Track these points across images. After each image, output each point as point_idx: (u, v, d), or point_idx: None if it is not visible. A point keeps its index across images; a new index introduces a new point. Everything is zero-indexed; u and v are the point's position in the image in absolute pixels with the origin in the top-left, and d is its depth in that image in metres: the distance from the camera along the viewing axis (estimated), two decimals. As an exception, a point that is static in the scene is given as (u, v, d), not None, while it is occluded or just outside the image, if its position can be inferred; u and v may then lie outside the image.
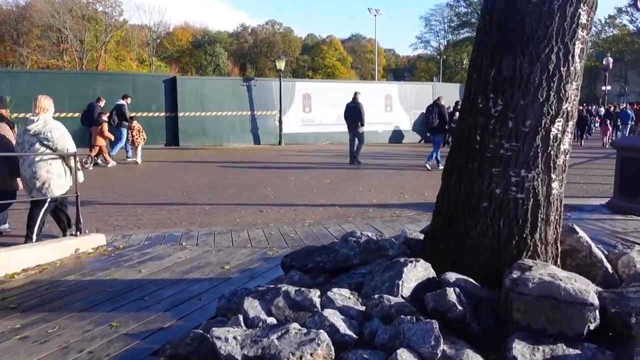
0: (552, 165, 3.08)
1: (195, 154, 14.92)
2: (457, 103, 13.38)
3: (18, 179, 5.09)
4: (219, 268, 4.11)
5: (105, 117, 11.87)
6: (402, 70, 69.70)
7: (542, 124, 3.01)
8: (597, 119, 26.67)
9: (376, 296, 2.76)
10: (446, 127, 11.61)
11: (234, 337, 2.50)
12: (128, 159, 13.28)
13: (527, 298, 2.56)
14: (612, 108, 25.59)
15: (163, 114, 16.66)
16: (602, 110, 30.19)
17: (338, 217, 6.13)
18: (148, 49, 48.74)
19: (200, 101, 17.19)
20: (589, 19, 3.06)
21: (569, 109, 3.08)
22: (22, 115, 9.99)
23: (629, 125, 21.08)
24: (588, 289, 2.56)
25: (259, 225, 5.68)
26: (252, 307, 2.86)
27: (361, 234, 4.31)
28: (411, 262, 3.03)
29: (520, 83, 3.01)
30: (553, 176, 3.10)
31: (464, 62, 53.93)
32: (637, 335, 2.45)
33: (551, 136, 3.04)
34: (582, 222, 5.79)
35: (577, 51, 3.03)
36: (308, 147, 17.57)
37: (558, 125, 3.06)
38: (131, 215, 5.87)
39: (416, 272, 3.00)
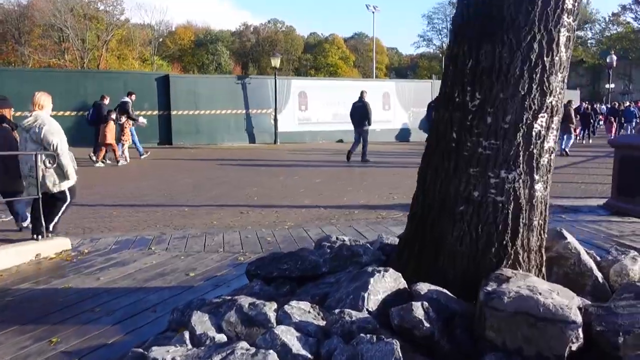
0: (535, 165, 2.80)
1: (187, 153, 14.67)
2: None
3: (20, 180, 5.04)
4: (183, 275, 3.85)
5: (113, 115, 11.79)
6: (405, 69, 69.32)
7: (524, 119, 2.74)
8: (600, 116, 26.30)
9: (337, 311, 2.49)
10: None
11: (173, 359, 2.24)
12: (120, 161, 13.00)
13: (502, 314, 2.29)
14: (617, 106, 25.23)
15: (156, 112, 16.40)
16: (604, 108, 29.86)
17: (321, 219, 5.87)
18: (150, 48, 48.55)
19: (193, 99, 16.93)
20: (576, 3, 2.79)
21: (554, 103, 2.80)
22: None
23: (634, 123, 20.70)
24: (570, 304, 2.28)
25: (236, 227, 5.42)
26: (201, 322, 2.59)
27: (337, 238, 4.06)
28: (379, 272, 2.76)
29: (499, 74, 2.73)
30: (536, 177, 2.82)
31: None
32: (625, 356, 2.18)
33: (534, 133, 2.77)
34: (577, 224, 5.51)
35: (562, 39, 2.75)
36: (304, 146, 17.30)
37: (541, 121, 2.78)
38: (105, 217, 5.62)
39: (384, 283, 2.73)
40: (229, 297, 2.86)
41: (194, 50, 55.62)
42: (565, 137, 15.55)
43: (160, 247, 4.67)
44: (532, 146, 2.77)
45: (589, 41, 53.64)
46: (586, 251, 3.70)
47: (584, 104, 27.43)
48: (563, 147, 15.00)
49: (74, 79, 15.82)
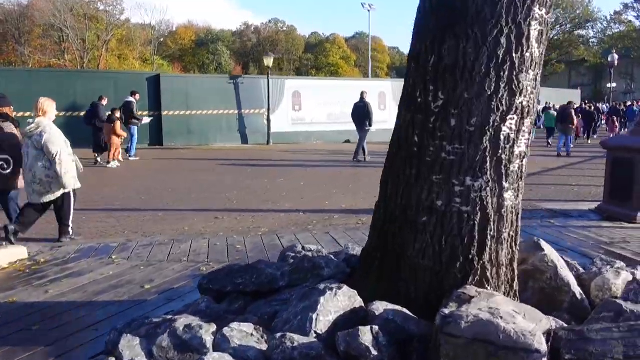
0: (503, 171, 2.55)
1: (177, 154, 14.43)
2: None
3: (20, 178, 5.09)
4: (138, 288, 3.61)
5: (118, 114, 11.69)
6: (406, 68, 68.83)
7: (491, 121, 2.49)
8: (603, 116, 25.99)
9: (278, 335, 2.24)
10: None
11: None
12: (130, 158, 13.06)
13: (458, 341, 2.04)
14: (618, 105, 24.93)
15: (146, 113, 16.15)
16: (605, 107, 29.54)
17: (298, 225, 5.62)
18: (150, 48, 48.37)
19: (185, 100, 16.69)
20: (548, -6, 2.54)
21: (524, 103, 2.55)
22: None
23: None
24: (535, 330, 2.03)
25: (207, 234, 5.17)
26: (130, 347, 2.35)
27: (302, 248, 3.81)
28: (331, 289, 2.51)
29: (463, 72, 2.48)
30: (505, 185, 2.57)
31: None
32: (596, 391, 1.93)
33: (502, 136, 2.52)
34: (565, 230, 5.26)
35: (533, 33, 2.50)
36: (297, 147, 17.03)
37: (510, 124, 2.53)
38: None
39: (337, 302, 2.48)
40: (170, 317, 2.62)
41: (194, 50, 55.44)
42: (565, 138, 15.26)
43: (122, 256, 4.43)
44: (500, 151, 2.52)
45: (590, 40, 53.25)
46: (568, 262, 3.46)
47: (584, 103, 27.13)
48: (562, 148, 14.71)
49: (63, 79, 15.60)
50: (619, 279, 2.99)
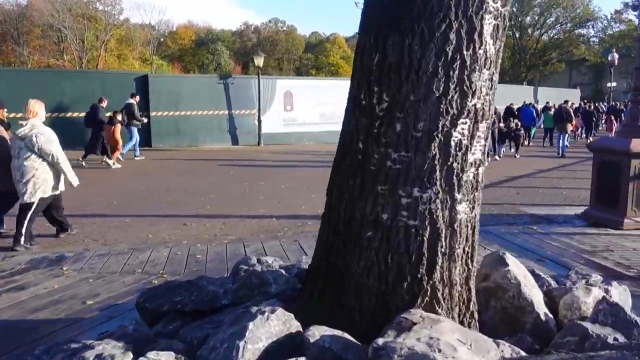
0: (455, 181, 2.31)
1: (164, 155, 14.15)
2: None
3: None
4: (79, 304, 3.37)
5: (119, 117, 11.66)
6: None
7: (440, 126, 2.25)
8: (603, 115, 25.71)
9: (194, 368, 1.99)
10: None
11: None
12: (136, 158, 13.05)
13: (389, 378, 1.79)
14: (617, 105, 24.62)
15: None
16: (604, 106, 29.24)
17: (268, 232, 5.37)
18: (149, 48, 48.16)
19: (174, 100, 16.41)
20: (503, -16, 2.29)
21: (478, 105, 2.31)
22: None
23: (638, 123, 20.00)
24: (476, 366, 1.78)
25: (171, 243, 4.93)
26: (32, 380, 2.10)
27: (258, 260, 3.57)
28: (262, 313, 2.26)
29: (409, 72, 2.24)
30: (458, 196, 2.33)
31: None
32: None
33: (452, 143, 2.27)
34: (547, 237, 5.01)
35: (487, 28, 2.26)
36: (288, 148, 16.77)
37: (462, 128, 2.28)
38: (33, 229, 5.15)
39: (268, 328, 2.23)
40: (90, 342, 2.37)
41: (194, 50, 55.25)
42: (562, 137, 15.11)
43: (74, 267, 4.19)
44: (451, 159, 2.28)
45: (591, 39, 52.93)
46: (539, 276, 3.22)
47: (583, 103, 26.84)
48: (561, 147, 14.51)
49: (48, 79, 15.32)
50: (589, 297, 2.74)
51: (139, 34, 47.73)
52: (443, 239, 2.32)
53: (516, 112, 17.32)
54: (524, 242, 4.78)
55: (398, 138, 2.27)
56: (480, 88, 2.29)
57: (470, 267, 2.47)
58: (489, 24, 2.26)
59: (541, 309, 2.64)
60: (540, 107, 21.71)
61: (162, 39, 51.89)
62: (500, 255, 2.86)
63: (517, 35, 50.44)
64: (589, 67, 54.20)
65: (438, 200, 2.29)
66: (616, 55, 31.77)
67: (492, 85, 2.36)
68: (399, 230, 2.31)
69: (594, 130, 21.27)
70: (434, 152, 2.25)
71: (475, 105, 2.29)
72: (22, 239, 4.87)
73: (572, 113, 16.57)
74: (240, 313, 2.36)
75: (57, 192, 5.14)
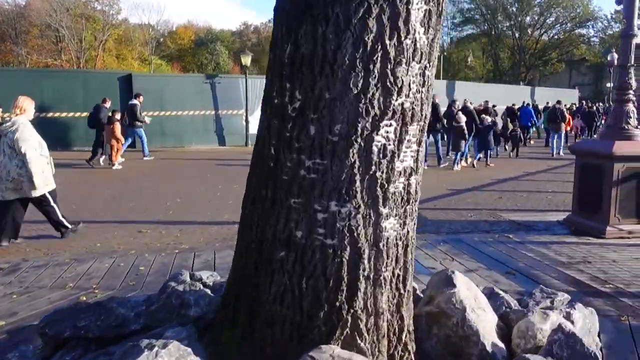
0: (380, 193, 1.98)
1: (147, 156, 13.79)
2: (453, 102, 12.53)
3: None
4: (-12, 324, 3.03)
5: (118, 116, 11.58)
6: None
7: (359, 129, 1.92)
8: (604, 116, 25.32)
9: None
10: (438, 125, 11.16)
11: None
12: (145, 158, 12.98)
13: None
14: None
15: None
16: (601, 107, 28.85)
17: (226, 240, 5.03)
18: (148, 48, 47.89)
19: (159, 100, 16.05)
20: (433, -38, 1.97)
21: (407, 105, 1.98)
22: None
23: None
24: None
25: (118, 252, 4.59)
26: None
27: (190, 276, 3.24)
28: (151, 348, 1.94)
29: (323, 65, 1.91)
30: (384, 210, 2.00)
31: (469, 60, 52.52)
32: None
33: (375, 148, 1.94)
34: (522, 246, 4.68)
35: (415, 14, 1.93)
36: (277, 149, 16.34)
37: (387, 131, 1.96)
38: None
39: (156, 366, 1.90)
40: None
41: (194, 50, 54.98)
42: (556, 137, 14.89)
43: (3, 280, 3.85)
44: (373, 167, 1.95)
45: (591, 39, 52.60)
46: (498, 295, 2.89)
47: (583, 103, 26.45)
48: (555, 149, 14.25)
49: (29, 78, 14.95)
50: (546, 323, 2.41)
51: (138, 34, 47.47)
52: (366, 261, 1.99)
53: (517, 113, 17.22)
54: (496, 252, 4.44)
55: (312, 143, 1.94)
56: (409, 84, 1.96)
57: (403, 291, 2.14)
58: (418, 9, 1.93)
59: (489, 338, 2.31)
60: (541, 107, 21.37)
61: (161, 39, 51.61)
62: (447, 275, 2.53)
63: (517, 35, 50.11)
64: (589, 68, 53.80)
65: (359, 216, 1.96)
66: (616, 55, 31.38)
67: (424, 82, 2.03)
68: (314, 251, 1.98)
69: (594, 131, 20.93)
70: (352, 160, 1.92)
71: (402, 104, 1.96)
72: (65, 222, 5.16)
73: (566, 113, 16.35)
74: (129, 347, 2.03)
75: (46, 190, 5.13)
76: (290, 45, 1.98)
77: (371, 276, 2.01)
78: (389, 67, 1.90)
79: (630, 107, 5.32)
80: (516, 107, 18.22)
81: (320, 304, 1.98)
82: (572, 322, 2.55)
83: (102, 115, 11.60)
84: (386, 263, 2.04)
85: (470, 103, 13.39)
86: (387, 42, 1.88)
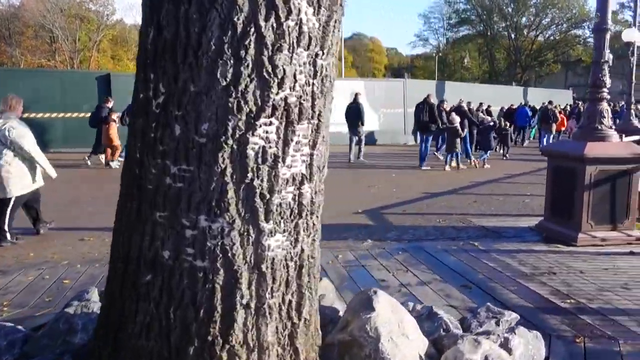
0: (260, 205, 1.66)
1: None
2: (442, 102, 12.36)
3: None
4: None
5: (115, 117, 11.35)
6: (404, 69, 68.12)
7: (229, 128, 1.60)
8: None
9: None
10: (433, 125, 11.19)
11: None
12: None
13: None
14: (612, 106, 23.97)
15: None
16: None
17: (171, 249, 4.69)
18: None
19: (140, 101, 15.63)
20: None
21: (292, 100, 1.66)
22: None
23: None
24: None
25: (50, 263, 4.24)
26: None
27: (100, 293, 2.90)
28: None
29: (186, 52, 1.59)
30: (266, 226, 1.68)
31: (465, 61, 52.23)
32: None
33: (251, 152, 1.62)
34: (486, 255, 4.35)
35: (299, -9, 1.60)
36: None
37: (266, 131, 1.63)
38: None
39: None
40: None
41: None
42: (546, 137, 14.67)
43: None
44: (250, 174, 1.63)
45: (587, 40, 52.40)
46: (437, 316, 2.57)
47: (579, 104, 26.18)
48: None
49: (5, 78, 14.52)
50: (477, 353, 2.09)
51: (134, 34, 47.16)
52: (244, 286, 1.67)
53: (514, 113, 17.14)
54: (456, 262, 4.12)
55: (177, 145, 1.62)
56: (293, 75, 1.64)
57: (297, 320, 1.82)
58: (303, -16, 1.61)
59: (405, 372, 1.98)
60: (538, 107, 21.10)
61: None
62: (368, 296, 2.20)
63: (513, 36, 49.86)
64: (584, 68, 53.59)
65: (234, 233, 1.64)
66: (611, 56, 31.13)
67: (316, 72, 1.71)
68: (182, 274, 1.66)
69: None
70: (223, 166, 1.60)
71: (285, 99, 1.63)
72: (7, 234, 4.87)
73: (557, 114, 16.19)
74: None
75: (36, 187, 5.14)
76: (152, 28, 1.65)
77: (252, 304, 1.68)
78: (265, 53, 1.58)
79: (604, 105, 5.03)
80: (514, 106, 18.02)
81: (189, 337, 1.66)
82: (510, 350, 2.24)
83: (102, 114, 11.53)
84: (271, 288, 1.71)
85: (467, 103, 13.14)
86: (262, 23, 1.56)
